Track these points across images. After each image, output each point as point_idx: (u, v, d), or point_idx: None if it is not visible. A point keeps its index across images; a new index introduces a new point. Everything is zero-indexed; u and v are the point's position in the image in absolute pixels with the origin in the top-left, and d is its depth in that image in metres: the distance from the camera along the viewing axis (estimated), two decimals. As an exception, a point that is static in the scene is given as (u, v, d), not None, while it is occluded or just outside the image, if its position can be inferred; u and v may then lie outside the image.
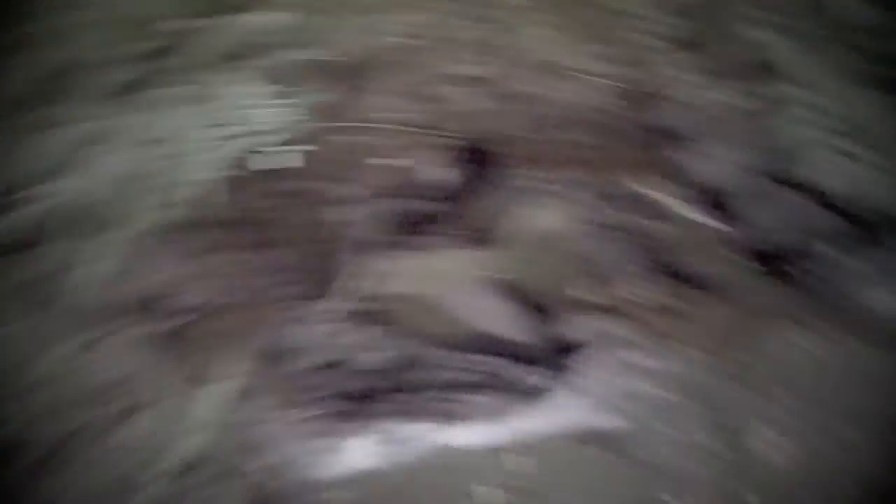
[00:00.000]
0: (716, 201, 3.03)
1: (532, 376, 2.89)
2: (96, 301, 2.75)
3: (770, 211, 2.95)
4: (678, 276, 2.98)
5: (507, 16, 3.02)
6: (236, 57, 2.59)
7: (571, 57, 2.98)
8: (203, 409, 2.51)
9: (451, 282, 2.96)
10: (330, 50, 2.68)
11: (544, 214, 3.03)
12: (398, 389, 2.86)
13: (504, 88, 2.97)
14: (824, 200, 2.98)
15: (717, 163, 3.12)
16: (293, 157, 2.06)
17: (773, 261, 3.02)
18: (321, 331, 2.91)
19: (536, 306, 2.93)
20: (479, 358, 2.93)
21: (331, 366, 2.83)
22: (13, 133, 2.59)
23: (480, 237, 3.15)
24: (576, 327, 2.88)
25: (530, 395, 2.87)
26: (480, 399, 2.89)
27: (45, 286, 2.86)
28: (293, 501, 2.28)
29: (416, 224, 3.02)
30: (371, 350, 2.85)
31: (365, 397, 2.84)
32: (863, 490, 2.49)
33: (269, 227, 2.96)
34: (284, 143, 2.13)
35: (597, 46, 3.02)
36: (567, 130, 3.00)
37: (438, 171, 2.91)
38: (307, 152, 2.22)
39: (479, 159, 2.97)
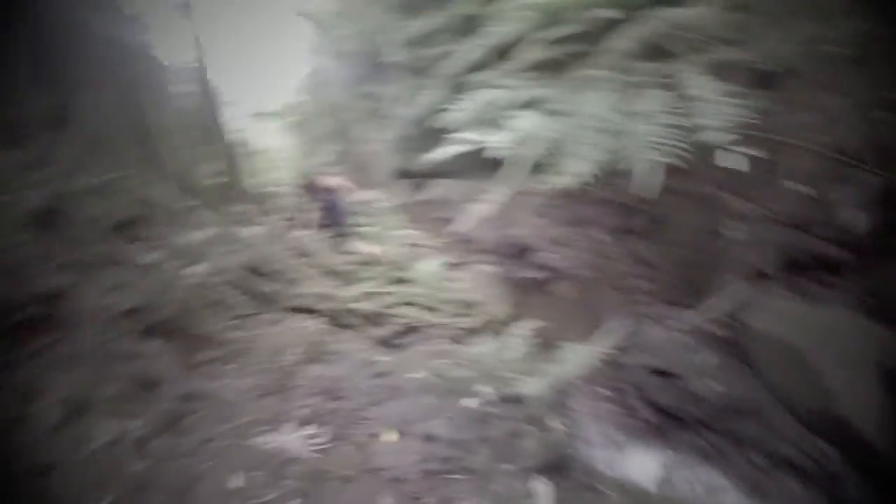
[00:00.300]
0: None
1: (874, 496, 2.32)
2: (470, 234, 3.15)
3: None
4: None
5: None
6: (660, 49, 2.58)
7: None
8: (539, 359, 2.67)
9: (831, 346, 2.48)
10: (758, 53, 2.43)
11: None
12: (720, 432, 2.62)
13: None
14: None
15: None
16: (737, 160, 1.89)
17: None
18: (670, 338, 2.78)
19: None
20: (823, 445, 2.51)
21: (664, 375, 2.75)
22: (454, 90, 3.09)
23: (885, 310, 2.55)
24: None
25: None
26: (800, 489, 2.46)
27: (439, 210, 3.37)
28: (573, 475, 2.32)
29: (813, 267, 2.62)
30: (713, 379, 2.65)
31: (682, 421, 2.69)
32: None
33: (656, 222, 2.94)
34: (726, 143, 1.96)
35: None
36: None
37: (857, 213, 2.43)
38: (748, 157, 2.02)
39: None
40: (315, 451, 2.11)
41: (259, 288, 3.19)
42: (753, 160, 2.21)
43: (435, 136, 2.99)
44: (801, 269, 2.77)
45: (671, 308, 2.88)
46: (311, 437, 2.18)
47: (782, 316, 2.75)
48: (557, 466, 2.37)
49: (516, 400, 2.56)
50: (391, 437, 2.27)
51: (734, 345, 2.81)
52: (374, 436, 2.26)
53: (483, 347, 2.83)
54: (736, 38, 2.51)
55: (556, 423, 2.54)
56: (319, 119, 5.07)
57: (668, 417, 2.80)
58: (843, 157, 2.45)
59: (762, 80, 2.49)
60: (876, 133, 2.40)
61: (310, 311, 3.16)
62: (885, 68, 2.36)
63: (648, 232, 2.93)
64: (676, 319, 2.83)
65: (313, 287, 3.27)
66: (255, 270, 3.32)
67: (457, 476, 2.09)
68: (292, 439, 2.16)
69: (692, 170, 2.21)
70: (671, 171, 2.28)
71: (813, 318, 2.72)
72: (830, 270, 2.68)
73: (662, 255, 2.87)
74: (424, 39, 3.39)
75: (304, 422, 2.30)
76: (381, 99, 3.95)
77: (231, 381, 2.51)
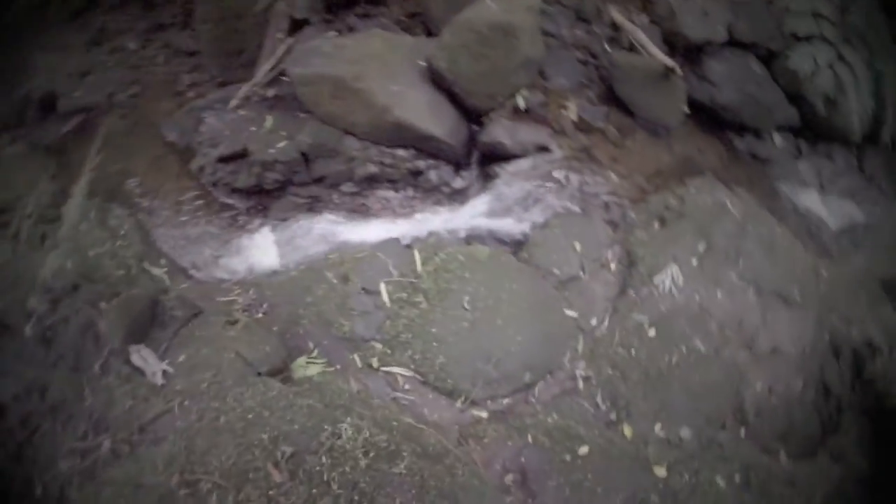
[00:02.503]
0: (685, 50, 2.90)
1: (453, 178, 2.79)
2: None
3: (737, 83, 2.86)
4: (624, 108, 2.89)
5: None
6: None
7: None
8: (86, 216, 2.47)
9: (382, 67, 2.69)
10: None
11: (499, 8, 2.67)
12: (311, 182, 2.70)
13: None
14: (795, 92, 2.88)
15: (705, 19, 2.85)
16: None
17: (720, 123, 2.99)
18: (232, 118, 2.66)
19: (468, 105, 2.80)
20: (401, 153, 2.77)
21: (240, 157, 2.61)
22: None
23: (420, 21, 2.84)
24: (505, 133, 2.74)
25: (447, 195, 2.78)
26: (397, 195, 2.78)
27: None
28: (199, 302, 2.23)
29: (351, 3, 2.65)
30: (285, 139, 2.61)
31: (273, 191, 2.68)
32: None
33: (188, 2, 2.45)
34: None
35: None
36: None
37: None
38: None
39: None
40: None
41: None
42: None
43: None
44: (342, 7, 2.82)
45: (224, 89, 2.70)
46: None
47: (329, 55, 2.69)
48: (156, 319, 2.16)
49: (97, 269, 2.26)
50: None
51: (299, 97, 2.71)
52: None
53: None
54: None
55: (158, 269, 2.33)
56: None
57: (256, 195, 2.72)
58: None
59: None
60: None
61: None
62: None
63: (190, 19, 2.52)
64: (237, 97, 2.68)
65: None
66: None
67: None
68: None
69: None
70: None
71: (363, 47, 2.75)
72: (371, 3, 2.82)
73: (211, 37, 2.55)
74: None
75: None
76: None
77: None
